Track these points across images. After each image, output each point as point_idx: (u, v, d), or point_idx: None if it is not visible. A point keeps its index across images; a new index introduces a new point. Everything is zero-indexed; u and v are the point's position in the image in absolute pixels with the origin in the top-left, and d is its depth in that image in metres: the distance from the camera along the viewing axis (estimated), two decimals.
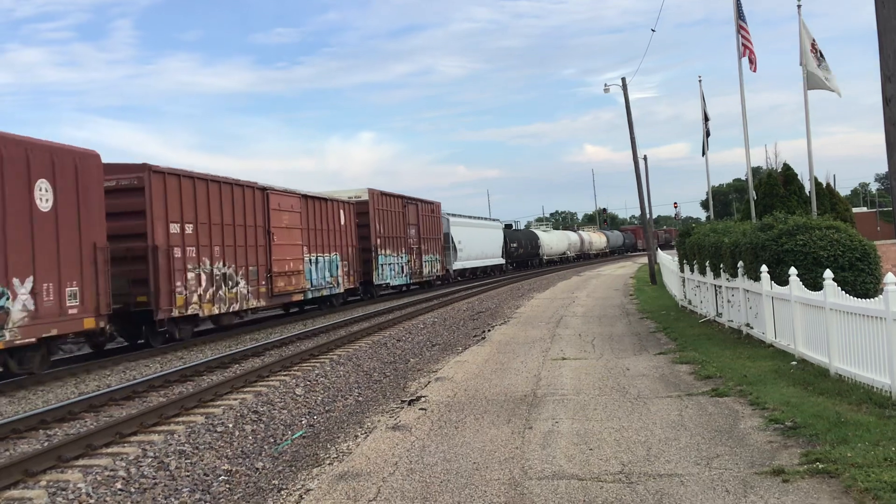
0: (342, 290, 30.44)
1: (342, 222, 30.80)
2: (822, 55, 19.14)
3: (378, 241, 34.59)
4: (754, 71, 20.54)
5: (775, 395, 9.52)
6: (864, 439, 7.15)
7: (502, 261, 60.00)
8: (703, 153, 31.14)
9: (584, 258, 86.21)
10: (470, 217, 55.14)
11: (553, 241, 76.08)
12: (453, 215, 49.78)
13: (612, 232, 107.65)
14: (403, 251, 38.21)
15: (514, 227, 70.47)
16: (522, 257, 67.26)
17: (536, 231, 75.60)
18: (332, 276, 29.39)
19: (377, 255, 34.33)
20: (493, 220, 62.86)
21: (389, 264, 35.97)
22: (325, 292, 28.76)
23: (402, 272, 37.92)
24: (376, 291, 35.34)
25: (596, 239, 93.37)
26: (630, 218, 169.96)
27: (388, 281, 35.96)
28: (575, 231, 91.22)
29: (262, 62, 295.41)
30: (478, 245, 53.50)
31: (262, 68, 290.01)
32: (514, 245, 64.39)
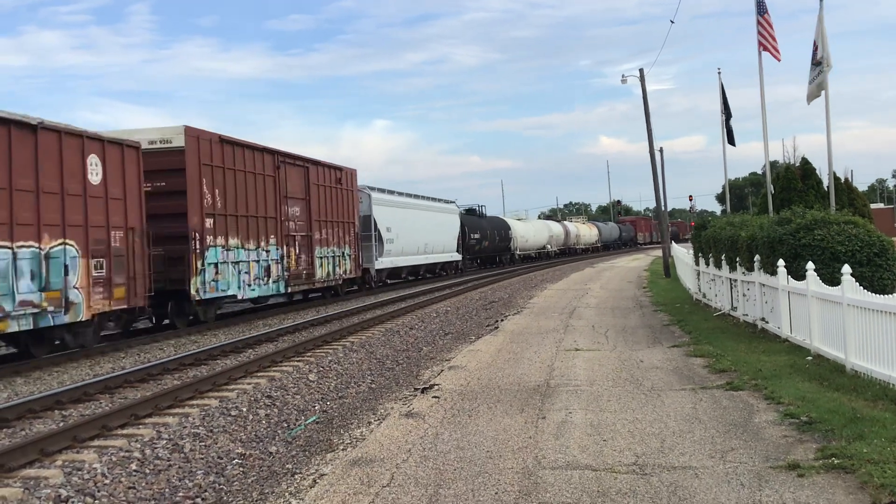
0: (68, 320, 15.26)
1: (95, 182, 16.13)
2: (816, 54, 18.91)
3: (206, 221, 20.18)
4: (778, 60, 20.28)
5: (791, 389, 9.48)
6: (881, 436, 7.11)
7: (457, 256, 46.42)
8: (731, 142, 30.61)
9: (568, 254, 73.84)
10: (408, 195, 41.01)
11: (529, 233, 63.35)
12: (379, 190, 36.39)
13: (606, 224, 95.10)
14: (272, 241, 23.52)
15: (478, 213, 55.07)
16: (487, 252, 54.34)
17: (508, 219, 62.41)
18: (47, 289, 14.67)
19: (202, 247, 19.87)
20: (447, 201, 47.19)
21: (234, 263, 21.31)
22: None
23: (266, 275, 23.07)
24: (196, 311, 20.34)
25: (585, 232, 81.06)
26: (644, 210, 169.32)
27: (224, 291, 20.90)
28: (559, 221, 79.01)
29: (278, 48, 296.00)
30: (419, 234, 39.24)
31: (278, 54, 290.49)
32: (476, 236, 50.13)
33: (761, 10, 20.19)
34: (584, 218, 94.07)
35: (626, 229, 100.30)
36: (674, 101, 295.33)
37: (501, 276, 41.95)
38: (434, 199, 44.97)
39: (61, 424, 9.82)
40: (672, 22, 77.16)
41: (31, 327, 14.24)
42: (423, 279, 41.33)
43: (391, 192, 38.02)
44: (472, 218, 51.70)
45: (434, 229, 41.90)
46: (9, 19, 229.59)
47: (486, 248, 52.87)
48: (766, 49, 20.16)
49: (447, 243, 44.52)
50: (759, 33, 20.24)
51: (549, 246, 67.90)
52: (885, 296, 9.52)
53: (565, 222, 78.61)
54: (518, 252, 60.05)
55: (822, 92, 18.77)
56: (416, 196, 42.21)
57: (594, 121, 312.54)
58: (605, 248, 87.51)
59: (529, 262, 62.23)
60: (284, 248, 24.31)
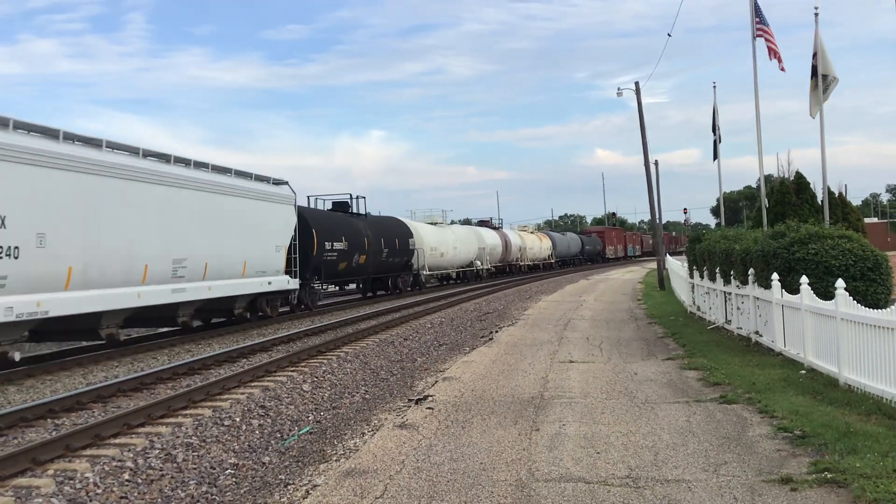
0: None
1: None
2: (817, 68, 19.05)
3: None
4: (783, 70, 20.35)
5: (784, 403, 9.49)
6: (874, 450, 7.12)
7: (287, 283, 24.71)
8: (715, 158, 30.99)
9: (510, 273, 58.17)
10: (106, 147, 16.79)
11: (446, 244, 44.14)
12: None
13: (563, 235, 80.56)
14: None
15: (350, 209, 34.58)
16: (362, 273, 33.60)
17: (411, 222, 41.44)
18: None
19: None
20: (263, 178, 24.19)
21: None
22: None
23: None
24: None
25: (533, 244, 64.18)
26: (640, 223, 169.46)
27: None
28: (496, 229, 58.68)
29: (273, 58, 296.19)
30: (140, 242, 17.31)
31: (273, 64, 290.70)
32: (338, 247, 29.54)
33: (762, 19, 20.20)
34: (532, 227, 77.17)
35: (590, 241, 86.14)
36: (669, 114, 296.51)
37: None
38: (216, 170, 21.48)
39: (54, 433, 9.77)
40: (669, 35, 77.35)
41: None
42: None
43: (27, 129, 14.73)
44: (333, 217, 31.65)
45: (208, 230, 20.19)
46: (5, 27, 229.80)
47: (359, 267, 32.09)
48: (775, 56, 20.14)
49: (258, 259, 22.80)
50: (759, 41, 20.26)
51: (478, 262, 50.11)
52: (879, 310, 9.56)
53: (505, 230, 60.18)
54: (426, 272, 41.03)
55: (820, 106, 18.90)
56: (140, 154, 18.05)
57: (590, 133, 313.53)
58: (563, 265, 73.46)
59: (447, 286, 46.10)
60: None
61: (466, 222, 65.31)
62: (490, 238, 53.30)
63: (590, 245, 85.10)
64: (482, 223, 54.31)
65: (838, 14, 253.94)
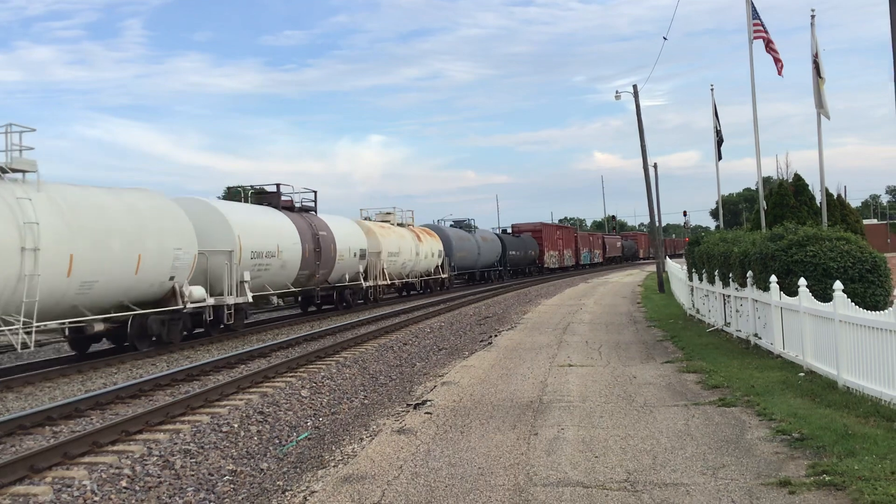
0: None
1: None
2: (820, 69, 19.08)
3: None
4: (780, 74, 20.34)
5: (783, 406, 9.48)
6: (872, 452, 7.11)
7: None
8: (720, 159, 30.91)
9: (323, 302, 30.45)
10: None
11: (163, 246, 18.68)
12: None
13: (471, 234, 50.36)
14: None
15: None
16: None
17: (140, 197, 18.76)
18: None
19: None
20: None
21: None
22: None
23: None
24: None
25: (406, 246, 38.15)
26: (639, 225, 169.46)
27: None
28: (305, 213, 29.12)
29: (272, 64, 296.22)
30: None
31: (272, 70, 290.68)
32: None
33: (759, 21, 20.19)
34: (393, 217, 40.73)
35: (522, 245, 60.14)
36: (668, 117, 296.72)
37: None
38: None
39: (52, 441, 9.77)
40: (665, 39, 77.30)
41: None
42: None
43: None
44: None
45: None
46: (2, 34, 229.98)
47: None
48: (776, 61, 20.13)
49: None
50: (765, 40, 20.23)
51: (280, 268, 25.09)
52: (877, 312, 9.54)
53: (335, 219, 31.79)
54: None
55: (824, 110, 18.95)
56: None
57: (588, 136, 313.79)
58: (472, 280, 52.33)
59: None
60: None
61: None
62: (270, 230, 24.91)
63: (522, 250, 59.81)
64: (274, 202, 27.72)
65: (836, 17, 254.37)
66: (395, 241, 37.02)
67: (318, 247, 28.06)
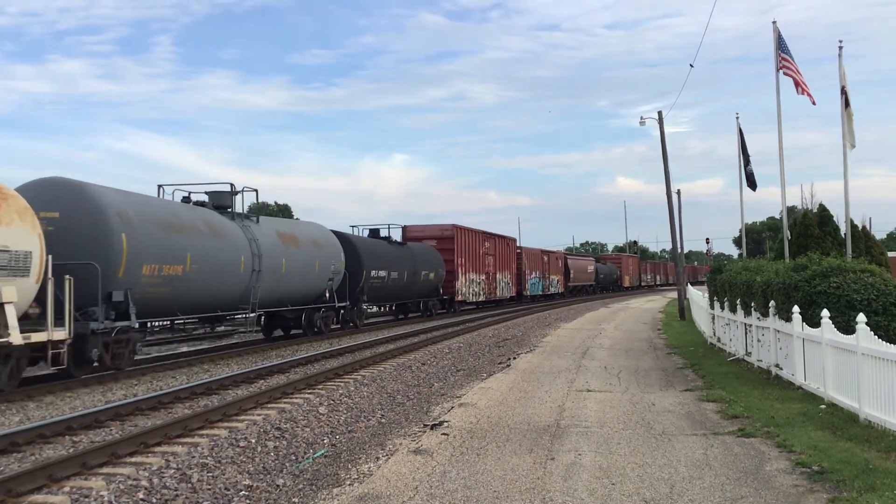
0: None
1: None
2: (848, 101, 18.98)
3: None
4: (813, 104, 20.21)
5: (803, 438, 9.39)
6: (893, 487, 7.02)
7: None
8: (752, 187, 30.35)
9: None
10: None
11: None
12: None
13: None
14: None
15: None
16: None
17: None
18: None
19: None
20: None
21: None
22: None
23: None
24: None
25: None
26: (661, 251, 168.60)
27: None
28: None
29: (299, 82, 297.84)
30: None
31: (298, 88, 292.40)
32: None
33: (786, 51, 20.11)
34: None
35: (423, 257, 36.37)
36: (692, 144, 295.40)
37: None
38: None
39: (71, 450, 9.84)
40: (692, 66, 76.91)
41: None
42: None
43: None
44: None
45: None
46: (35, 47, 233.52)
47: None
48: (804, 92, 20.05)
49: None
50: (781, 73, 20.17)
51: None
52: None
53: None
54: None
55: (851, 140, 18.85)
56: None
57: (612, 161, 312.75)
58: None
59: None
60: None
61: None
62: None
63: (425, 265, 36.15)
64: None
65: (863, 48, 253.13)
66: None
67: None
